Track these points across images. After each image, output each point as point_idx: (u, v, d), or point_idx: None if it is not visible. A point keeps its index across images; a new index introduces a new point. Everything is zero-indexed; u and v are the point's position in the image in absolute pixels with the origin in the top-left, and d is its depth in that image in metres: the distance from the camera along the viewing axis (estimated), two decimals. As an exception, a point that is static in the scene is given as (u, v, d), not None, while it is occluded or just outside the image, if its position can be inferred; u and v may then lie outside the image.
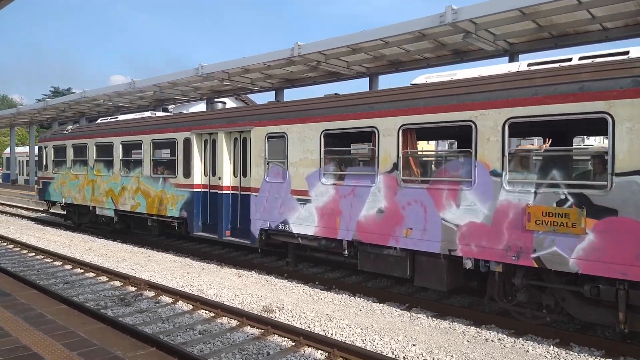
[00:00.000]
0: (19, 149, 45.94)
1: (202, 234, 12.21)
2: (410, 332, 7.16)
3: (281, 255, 12.04)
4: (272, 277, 10.64)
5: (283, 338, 6.88)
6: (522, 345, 6.72)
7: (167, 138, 12.95)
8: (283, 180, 9.97)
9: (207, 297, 8.80)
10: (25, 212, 23.78)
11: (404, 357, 6.22)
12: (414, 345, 6.62)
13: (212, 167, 11.95)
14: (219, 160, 11.57)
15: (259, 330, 7.19)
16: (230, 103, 36.31)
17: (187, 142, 12.29)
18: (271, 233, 10.37)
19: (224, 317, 7.81)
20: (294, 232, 9.77)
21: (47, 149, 18.40)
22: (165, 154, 14.63)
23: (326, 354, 6.30)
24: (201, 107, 27.57)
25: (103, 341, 5.68)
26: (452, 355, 6.27)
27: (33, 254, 13.23)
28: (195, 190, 12.11)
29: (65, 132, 17.60)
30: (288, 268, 10.94)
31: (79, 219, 17.23)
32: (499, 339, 6.92)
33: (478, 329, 7.35)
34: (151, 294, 9.27)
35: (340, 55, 15.28)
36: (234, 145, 11.42)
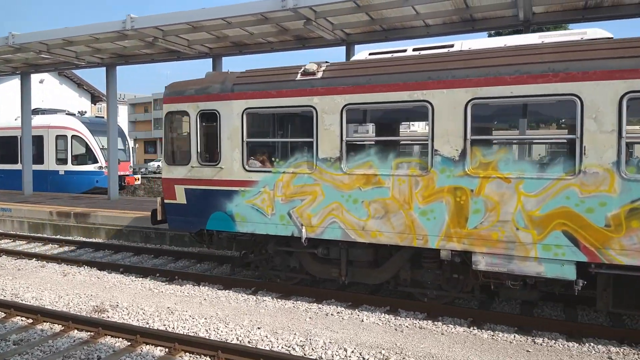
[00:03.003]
0: None
1: None
2: (255, 316, 7.17)
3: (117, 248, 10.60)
4: (104, 272, 9.68)
5: (117, 339, 6.30)
6: (358, 315, 7.22)
7: None
8: None
9: (23, 302, 7.63)
10: None
11: (249, 342, 6.18)
12: (259, 328, 6.64)
13: None
14: None
15: (88, 333, 6.47)
16: (51, 79, 32.07)
17: None
18: None
19: (44, 323, 6.86)
20: None
21: (214, 119, 8.25)
22: None
23: (166, 350, 5.95)
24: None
25: None
26: (295, 334, 6.44)
27: None
28: None
29: (310, 73, 7.48)
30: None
31: (360, 275, 7.79)
32: (338, 312, 7.33)
33: (319, 305, 7.69)
34: (-54, 305, 7.69)
35: (180, 33, 14.38)
36: None
